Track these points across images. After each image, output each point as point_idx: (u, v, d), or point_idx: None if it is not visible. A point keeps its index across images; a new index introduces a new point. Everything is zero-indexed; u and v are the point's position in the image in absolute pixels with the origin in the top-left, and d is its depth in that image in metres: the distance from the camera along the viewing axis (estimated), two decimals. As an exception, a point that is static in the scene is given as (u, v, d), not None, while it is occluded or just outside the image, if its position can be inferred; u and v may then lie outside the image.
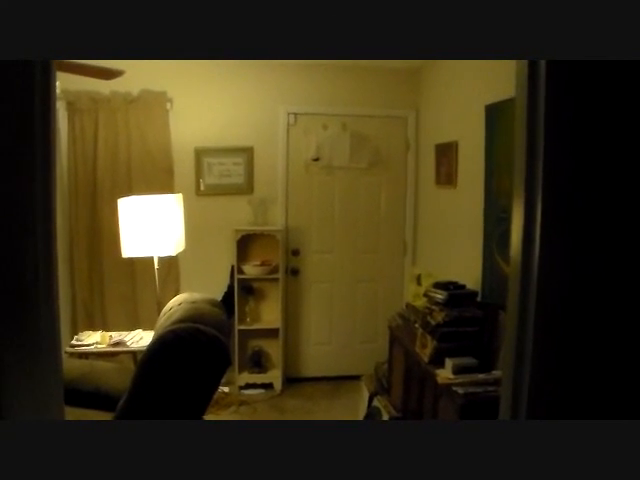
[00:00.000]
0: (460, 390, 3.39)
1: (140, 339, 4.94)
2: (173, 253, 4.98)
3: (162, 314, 4.05)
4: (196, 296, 3.95)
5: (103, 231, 5.67)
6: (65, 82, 5.18)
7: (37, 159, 1.35)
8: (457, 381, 3.50)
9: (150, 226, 4.69)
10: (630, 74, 1.50)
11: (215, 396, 5.35)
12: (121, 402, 3.24)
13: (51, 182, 1.40)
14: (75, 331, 5.46)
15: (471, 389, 3.39)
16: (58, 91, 5.16)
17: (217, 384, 3.46)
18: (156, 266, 4.98)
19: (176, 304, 3.88)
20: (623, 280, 1.57)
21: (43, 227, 1.38)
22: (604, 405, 1.61)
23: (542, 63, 1.49)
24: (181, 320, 3.35)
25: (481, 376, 3.54)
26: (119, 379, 3.90)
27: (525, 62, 1.53)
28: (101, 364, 4.43)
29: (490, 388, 3.36)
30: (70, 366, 4.18)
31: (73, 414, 3.54)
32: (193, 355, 3.13)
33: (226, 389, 5.82)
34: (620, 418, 1.56)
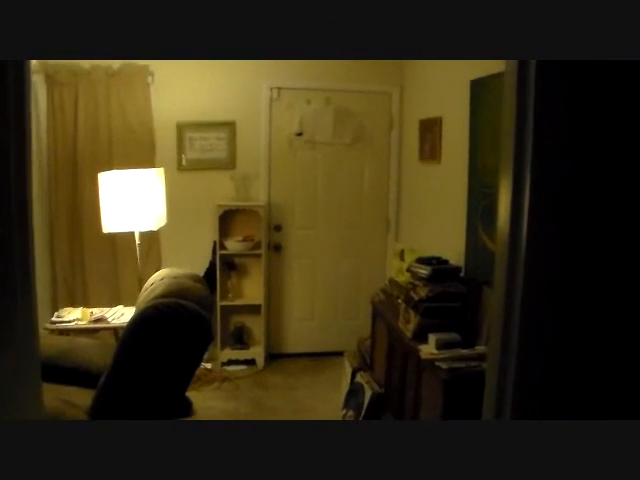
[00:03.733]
0: (443, 365, 3.39)
1: (121, 315, 4.90)
2: (154, 228, 4.93)
3: (144, 290, 4.02)
4: (178, 271, 3.92)
5: (84, 207, 5.60)
6: (43, 54, 5.09)
7: (11, 147, 1.33)
8: (440, 356, 3.49)
9: (131, 201, 4.63)
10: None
11: (198, 372, 5.34)
12: (102, 379, 3.21)
13: (26, 170, 1.37)
14: (56, 308, 5.41)
15: (454, 364, 3.39)
16: (34, 62, 5.07)
17: (199, 360, 3.45)
18: (137, 241, 4.93)
19: (158, 279, 3.85)
20: (616, 258, 1.55)
21: (19, 217, 1.35)
22: (594, 395, 1.59)
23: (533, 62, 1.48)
24: (163, 295, 3.32)
25: (464, 351, 3.53)
26: (100, 355, 3.87)
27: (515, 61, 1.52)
28: (81, 340, 4.40)
29: (473, 363, 3.36)
30: (50, 343, 4.14)
31: (53, 391, 3.51)
32: (175, 330, 3.11)
33: (208, 365, 5.80)
34: (609, 408, 1.55)
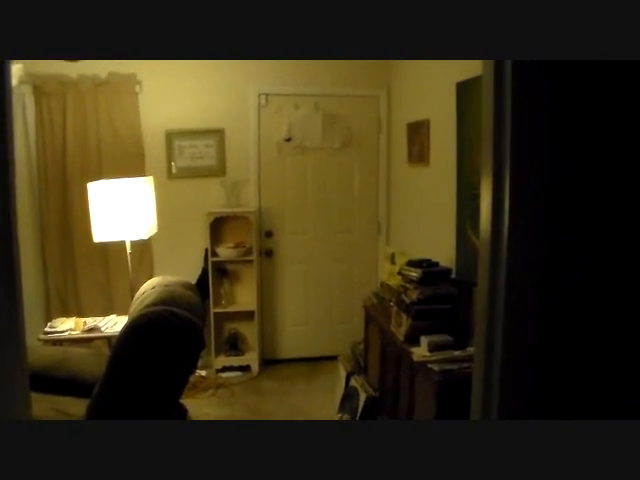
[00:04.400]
0: (436, 367, 3.40)
1: (114, 324, 4.91)
2: (145, 237, 4.94)
3: (135, 298, 4.01)
4: (169, 279, 3.92)
5: (74, 217, 5.60)
6: (31, 65, 5.11)
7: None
8: (433, 358, 3.51)
9: (121, 210, 4.63)
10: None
11: (192, 380, 5.36)
12: (96, 388, 3.21)
13: (7, 177, 1.36)
14: (49, 318, 5.41)
15: (447, 366, 3.40)
16: (21, 73, 5.07)
17: (192, 367, 3.45)
18: (129, 250, 4.93)
19: (149, 288, 3.85)
20: (598, 255, 1.56)
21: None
22: (579, 395, 1.60)
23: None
24: (154, 303, 3.32)
25: (456, 353, 3.55)
26: (94, 365, 3.86)
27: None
28: (75, 350, 4.39)
29: (465, 365, 3.37)
30: (44, 354, 4.14)
31: (48, 401, 3.51)
32: (167, 338, 3.11)
33: (203, 373, 5.80)
34: (594, 408, 1.56)
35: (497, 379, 1.55)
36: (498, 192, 1.51)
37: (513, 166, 1.49)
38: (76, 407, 3.39)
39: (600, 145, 1.54)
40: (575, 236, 1.54)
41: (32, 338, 5.15)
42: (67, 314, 5.45)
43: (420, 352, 3.64)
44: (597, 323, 1.57)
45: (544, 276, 1.54)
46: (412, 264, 4.06)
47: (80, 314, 5.44)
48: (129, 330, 3.15)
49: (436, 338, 3.67)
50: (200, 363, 5.52)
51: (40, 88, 5.48)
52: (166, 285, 3.75)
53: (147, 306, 3.32)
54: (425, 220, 5.22)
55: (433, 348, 3.61)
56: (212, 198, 5.89)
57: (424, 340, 3.67)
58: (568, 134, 1.52)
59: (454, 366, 3.40)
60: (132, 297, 4.32)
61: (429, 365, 3.46)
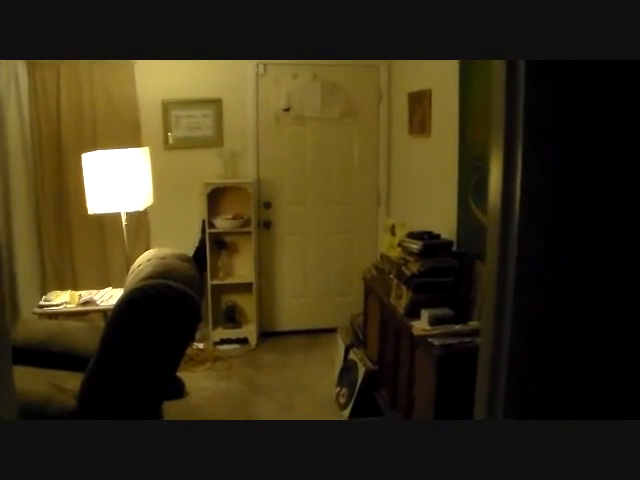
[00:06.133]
0: (436, 342, 3.36)
1: (110, 297, 4.86)
2: (141, 208, 4.87)
3: (131, 271, 3.97)
4: (165, 252, 3.87)
5: (70, 188, 5.54)
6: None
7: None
8: (433, 332, 3.46)
9: (117, 181, 4.56)
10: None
11: (190, 353, 5.34)
12: (91, 362, 3.17)
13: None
14: (44, 291, 5.37)
15: (447, 340, 3.36)
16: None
17: (188, 340, 3.41)
18: (124, 222, 4.87)
19: (145, 260, 3.81)
20: (614, 234, 1.51)
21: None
22: (590, 393, 1.55)
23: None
24: (150, 276, 3.28)
25: (457, 327, 3.50)
26: (89, 338, 3.83)
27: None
28: (70, 324, 4.35)
29: (466, 339, 3.33)
30: (38, 327, 4.11)
31: (43, 376, 3.48)
32: (161, 311, 3.07)
33: (201, 345, 5.77)
34: (606, 407, 1.52)
35: (504, 376, 1.50)
36: (509, 169, 1.44)
37: (525, 143, 1.42)
38: (71, 381, 3.36)
39: (618, 127, 1.48)
40: (590, 215, 1.48)
41: (27, 311, 5.14)
42: (62, 287, 5.42)
43: (420, 326, 3.59)
44: (613, 311, 1.51)
45: (556, 259, 1.48)
46: (413, 236, 3.99)
47: (75, 287, 5.41)
48: (124, 303, 3.11)
49: (437, 312, 3.62)
50: (198, 336, 5.49)
51: (33, 60, 5.37)
52: (162, 257, 3.71)
53: (143, 279, 3.28)
54: (426, 192, 5.16)
55: (434, 322, 3.56)
56: (209, 169, 5.82)
57: (424, 313, 3.62)
58: (584, 112, 1.46)
59: (455, 340, 3.35)
60: (128, 270, 4.27)
61: (429, 339, 3.41)
